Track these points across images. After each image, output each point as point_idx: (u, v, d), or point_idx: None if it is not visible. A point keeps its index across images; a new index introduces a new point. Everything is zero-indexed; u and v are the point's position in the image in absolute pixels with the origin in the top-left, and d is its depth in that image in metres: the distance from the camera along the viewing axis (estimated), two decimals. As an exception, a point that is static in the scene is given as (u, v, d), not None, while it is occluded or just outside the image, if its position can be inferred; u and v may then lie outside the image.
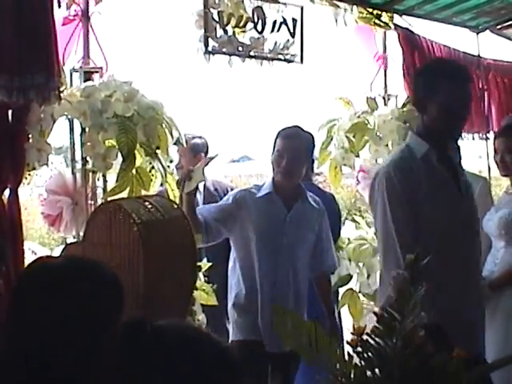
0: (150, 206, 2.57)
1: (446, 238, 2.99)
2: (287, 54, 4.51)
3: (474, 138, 5.91)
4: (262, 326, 3.63)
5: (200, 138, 4.99)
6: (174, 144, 3.69)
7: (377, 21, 5.12)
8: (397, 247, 2.98)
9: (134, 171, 3.49)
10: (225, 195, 4.14)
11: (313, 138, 4.17)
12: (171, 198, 3.63)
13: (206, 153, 4.95)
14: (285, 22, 4.46)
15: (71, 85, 3.60)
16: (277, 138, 3.81)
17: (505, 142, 3.95)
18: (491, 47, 6.30)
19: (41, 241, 9.86)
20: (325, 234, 3.95)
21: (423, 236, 2.97)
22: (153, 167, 3.57)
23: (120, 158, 3.47)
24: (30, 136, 3.34)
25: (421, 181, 3.01)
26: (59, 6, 3.47)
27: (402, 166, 3.07)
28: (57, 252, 3.52)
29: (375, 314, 1.87)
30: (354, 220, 5.19)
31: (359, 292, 4.79)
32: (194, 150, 4.87)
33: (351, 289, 4.79)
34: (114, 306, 1.77)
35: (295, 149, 3.74)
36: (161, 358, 1.31)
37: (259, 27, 4.32)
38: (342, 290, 4.80)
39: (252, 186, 3.94)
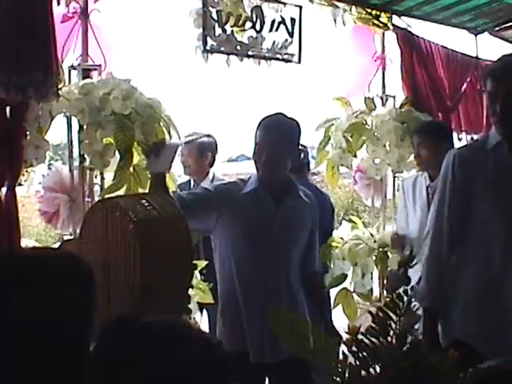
0: (146, 204, 2.56)
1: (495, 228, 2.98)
2: (285, 54, 4.52)
3: (472, 139, 5.92)
4: (249, 336, 3.28)
5: (208, 136, 4.96)
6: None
7: (375, 21, 5.13)
8: (443, 230, 3.03)
9: (131, 169, 3.50)
10: None
11: (298, 124, 3.51)
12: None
13: (214, 152, 4.95)
14: (283, 21, 4.47)
15: (69, 82, 3.61)
16: (257, 128, 3.38)
17: None
18: (489, 49, 6.31)
19: (38, 238, 9.88)
20: (317, 230, 3.59)
21: (472, 225, 3.00)
22: (150, 165, 3.57)
23: (117, 156, 3.48)
24: (28, 133, 3.36)
25: (483, 171, 2.99)
26: (58, 4, 3.48)
27: (465, 153, 3.11)
28: (53, 249, 3.52)
29: (370, 313, 1.87)
30: (351, 220, 5.20)
31: (353, 292, 4.78)
32: (200, 148, 4.86)
33: (345, 288, 4.77)
34: (87, 298, 1.76)
35: (276, 140, 3.30)
36: (149, 354, 1.32)
37: (258, 26, 4.33)
38: (335, 290, 4.79)
39: (236, 180, 3.49)
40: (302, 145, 4.89)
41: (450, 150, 3.20)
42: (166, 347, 1.32)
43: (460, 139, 5.78)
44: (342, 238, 4.88)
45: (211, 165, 4.93)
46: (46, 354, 1.62)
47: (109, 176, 3.58)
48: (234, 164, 25.34)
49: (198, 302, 3.89)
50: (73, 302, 1.69)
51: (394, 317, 1.83)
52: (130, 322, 1.38)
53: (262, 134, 3.33)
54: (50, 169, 3.94)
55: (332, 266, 4.71)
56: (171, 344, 1.34)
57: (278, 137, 3.31)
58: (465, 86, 5.67)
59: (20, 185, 3.39)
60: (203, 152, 4.87)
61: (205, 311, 4.46)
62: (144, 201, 2.60)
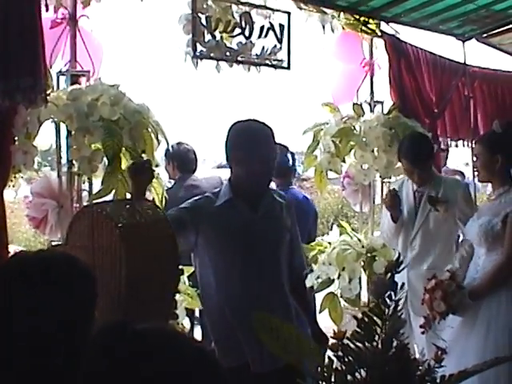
0: (132, 210, 2.56)
1: None
2: (274, 60, 4.53)
3: (457, 146, 5.96)
4: (247, 348, 3.17)
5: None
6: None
7: (364, 28, 5.16)
8: None
9: (119, 175, 3.50)
10: None
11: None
12: (157, 201, 3.65)
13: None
14: (272, 27, 4.49)
15: (58, 88, 3.61)
16: (235, 136, 3.22)
17: (475, 148, 3.99)
18: (477, 55, 6.35)
19: (27, 244, 9.82)
20: (295, 229, 3.45)
21: None
22: (138, 171, 3.57)
23: (106, 162, 3.47)
24: (16, 138, 3.35)
25: None
26: (47, 10, 3.48)
27: None
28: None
29: (355, 318, 1.88)
30: (340, 225, 5.22)
31: (340, 296, 4.79)
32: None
33: (332, 293, 4.78)
34: (88, 296, 1.78)
35: (267, 153, 3.20)
36: (141, 362, 1.32)
37: (247, 32, 4.35)
38: (321, 294, 4.79)
39: (207, 194, 3.32)
40: (290, 151, 4.95)
41: None
42: (157, 355, 1.32)
43: (446, 145, 5.82)
44: (329, 243, 4.90)
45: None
46: (44, 355, 1.64)
47: (97, 182, 3.58)
48: (224, 170, 25.32)
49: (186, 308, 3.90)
50: (73, 302, 1.72)
51: (379, 322, 1.84)
52: (121, 329, 1.38)
53: (249, 146, 3.18)
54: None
55: (317, 270, 4.73)
56: (164, 351, 1.34)
57: (269, 149, 3.22)
58: (452, 92, 5.70)
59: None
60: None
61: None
62: (130, 207, 2.60)
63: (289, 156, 4.98)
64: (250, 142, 3.18)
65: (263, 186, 3.29)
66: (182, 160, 5.46)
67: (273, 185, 4.33)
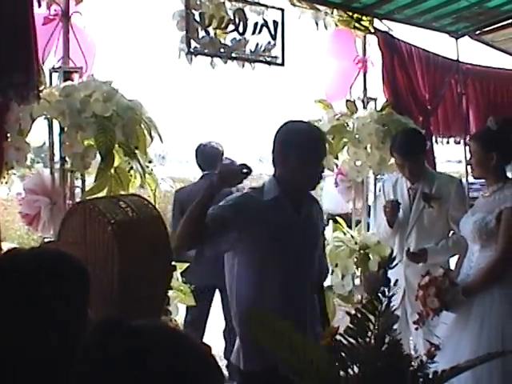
0: (124, 206, 2.56)
1: None
2: (268, 56, 4.53)
3: (448, 142, 5.96)
4: None
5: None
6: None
7: (357, 24, 5.16)
8: None
9: (112, 171, 3.50)
10: None
11: None
12: (151, 197, 3.64)
13: None
14: (266, 24, 4.49)
15: (50, 84, 3.60)
16: (297, 136, 3.20)
17: (470, 145, 3.99)
18: (470, 52, 6.36)
19: (20, 241, 9.81)
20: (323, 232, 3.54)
21: None
22: (132, 167, 3.57)
23: (98, 158, 3.47)
24: (9, 135, 3.34)
25: None
26: (39, 6, 3.47)
27: None
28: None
29: (348, 314, 1.88)
30: (335, 220, 5.22)
31: (333, 293, 4.80)
32: None
33: (325, 289, 4.76)
34: (81, 291, 1.78)
35: (324, 154, 3.27)
36: (136, 358, 1.31)
37: (240, 29, 4.34)
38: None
39: (247, 191, 3.32)
40: None
41: None
42: (153, 352, 1.32)
43: (437, 142, 5.82)
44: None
45: None
46: (36, 352, 1.64)
47: (90, 178, 3.57)
48: (218, 166, 25.32)
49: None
50: (68, 299, 1.72)
51: (372, 318, 1.84)
52: (116, 324, 1.38)
53: (311, 146, 3.17)
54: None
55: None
56: (159, 347, 1.34)
57: (325, 151, 3.30)
58: (445, 89, 5.71)
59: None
60: None
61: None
62: (122, 202, 2.60)
63: None
64: (311, 143, 3.18)
65: (313, 187, 3.30)
66: (205, 158, 5.60)
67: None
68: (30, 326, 1.67)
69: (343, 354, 1.83)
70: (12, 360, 1.65)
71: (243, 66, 4.43)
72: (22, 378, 1.65)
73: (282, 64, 4.63)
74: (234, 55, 4.33)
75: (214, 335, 5.54)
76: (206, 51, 4.18)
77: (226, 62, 4.32)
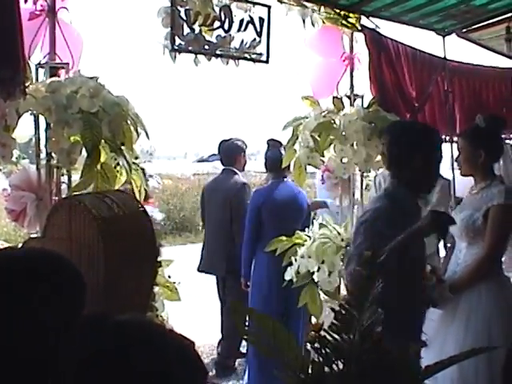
0: (110, 202, 2.56)
1: None
2: (253, 54, 4.52)
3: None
4: None
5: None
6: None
7: (344, 22, 5.16)
8: None
9: (98, 167, 3.49)
10: None
11: None
12: (136, 194, 3.64)
13: None
14: (252, 21, 4.48)
15: (37, 80, 3.59)
16: (423, 134, 3.46)
17: (459, 142, 4.02)
18: (457, 50, 6.38)
19: (7, 238, 9.79)
20: None
21: None
22: (118, 163, 3.57)
23: (85, 154, 3.46)
24: (-5, 131, 3.33)
25: None
26: (25, 1, 3.46)
27: None
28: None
29: (333, 310, 1.89)
30: (323, 218, 5.23)
31: (320, 289, 4.81)
32: None
33: (311, 286, 4.80)
34: (76, 292, 1.78)
35: None
36: (122, 353, 1.32)
37: (226, 26, 4.33)
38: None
39: (382, 201, 3.42)
40: (283, 145, 5.18)
41: None
42: (138, 347, 1.32)
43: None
44: (309, 237, 4.92)
45: None
46: (34, 352, 1.64)
47: (77, 175, 3.57)
48: (205, 163, 25.29)
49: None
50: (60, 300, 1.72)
51: (356, 313, 1.85)
52: (102, 320, 1.38)
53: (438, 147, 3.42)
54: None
55: (297, 263, 4.75)
56: (145, 342, 1.34)
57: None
58: (432, 86, 5.72)
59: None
60: None
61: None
62: (107, 199, 2.60)
63: (282, 150, 5.53)
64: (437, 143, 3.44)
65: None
66: (225, 153, 6.40)
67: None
68: (28, 326, 1.66)
69: (328, 350, 1.84)
70: (8, 360, 1.65)
71: (227, 63, 4.42)
72: (18, 378, 1.64)
73: (267, 61, 4.61)
74: (218, 52, 4.32)
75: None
76: (190, 48, 4.17)
77: (209, 60, 4.31)
